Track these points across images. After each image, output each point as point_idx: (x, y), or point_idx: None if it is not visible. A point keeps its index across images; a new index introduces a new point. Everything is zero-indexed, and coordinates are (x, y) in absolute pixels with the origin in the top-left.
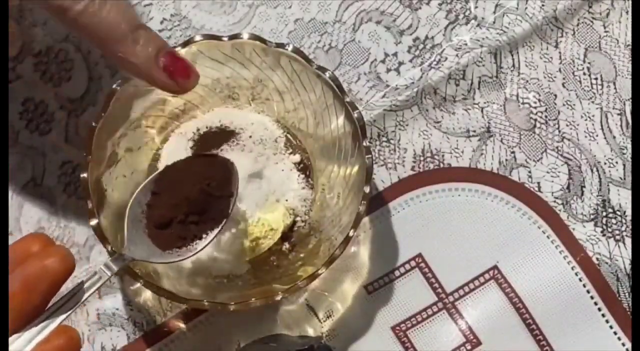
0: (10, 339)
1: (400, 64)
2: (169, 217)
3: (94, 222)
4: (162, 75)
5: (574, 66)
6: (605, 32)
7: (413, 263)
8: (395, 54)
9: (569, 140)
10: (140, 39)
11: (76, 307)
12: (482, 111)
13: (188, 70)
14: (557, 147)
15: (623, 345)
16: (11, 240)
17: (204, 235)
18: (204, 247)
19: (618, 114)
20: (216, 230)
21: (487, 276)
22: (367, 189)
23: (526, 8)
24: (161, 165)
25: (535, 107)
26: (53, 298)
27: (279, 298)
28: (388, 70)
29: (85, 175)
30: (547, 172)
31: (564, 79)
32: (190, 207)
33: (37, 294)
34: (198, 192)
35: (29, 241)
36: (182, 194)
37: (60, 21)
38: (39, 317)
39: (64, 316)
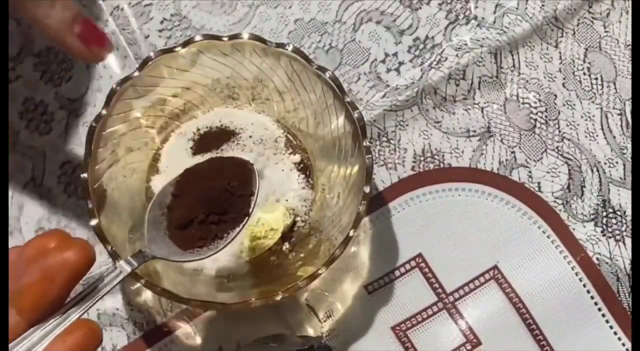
0: (30, 331)
1: (401, 64)
2: (189, 217)
3: (94, 222)
4: (75, 42)
5: (574, 66)
6: (605, 32)
7: (413, 263)
8: (395, 54)
9: (569, 140)
10: (57, 4)
11: (96, 301)
12: (482, 111)
13: (102, 39)
14: (557, 147)
15: (623, 345)
16: (11, 239)
17: (224, 235)
18: (225, 246)
19: (618, 114)
20: (237, 229)
21: (487, 276)
22: (367, 189)
23: (526, 8)
24: (162, 165)
25: (535, 107)
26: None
27: (279, 298)
28: (388, 70)
29: (85, 175)
30: (547, 172)
31: (564, 79)
32: (211, 207)
33: (57, 285)
34: (219, 191)
35: (46, 238)
36: (203, 194)
37: None
38: (59, 310)
39: (83, 308)
